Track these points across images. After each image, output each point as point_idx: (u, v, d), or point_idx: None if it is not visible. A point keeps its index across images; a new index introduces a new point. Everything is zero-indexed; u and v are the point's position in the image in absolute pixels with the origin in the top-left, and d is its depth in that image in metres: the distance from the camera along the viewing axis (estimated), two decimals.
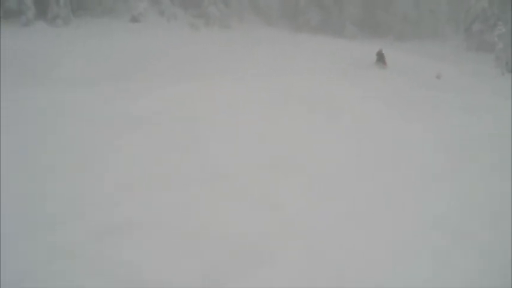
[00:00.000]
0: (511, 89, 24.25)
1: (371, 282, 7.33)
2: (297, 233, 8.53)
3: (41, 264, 7.25)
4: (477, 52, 38.41)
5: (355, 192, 10.34)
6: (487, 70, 31.57)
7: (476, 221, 9.39)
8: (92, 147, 12.08)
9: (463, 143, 14.10)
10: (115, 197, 9.47)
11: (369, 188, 10.61)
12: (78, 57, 24.20)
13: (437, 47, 39.99)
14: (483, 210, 9.90)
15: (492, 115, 17.68)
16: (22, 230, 8.13)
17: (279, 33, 39.25)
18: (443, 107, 19.07)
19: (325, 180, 10.88)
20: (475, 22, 39.93)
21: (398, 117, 16.83)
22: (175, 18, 38.95)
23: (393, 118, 16.65)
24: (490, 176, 11.66)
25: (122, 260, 7.46)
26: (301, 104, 17.35)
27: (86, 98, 16.73)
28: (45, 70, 21.82)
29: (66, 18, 33.60)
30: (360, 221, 9.10)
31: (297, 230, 8.66)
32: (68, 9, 33.95)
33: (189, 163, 11.33)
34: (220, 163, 11.52)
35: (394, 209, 9.70)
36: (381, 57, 29.20)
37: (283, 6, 44.86)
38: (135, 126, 13.82)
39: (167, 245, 7.92)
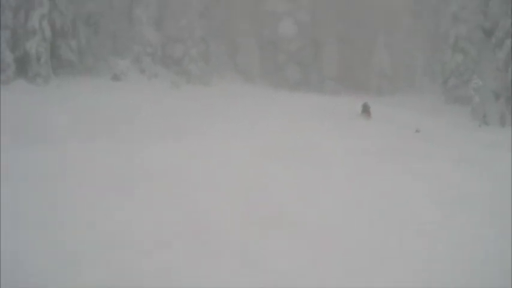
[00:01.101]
0: (488, 140, 24.61)
1: None
2: None
3: None
4: (455, 104, 39.00)
5: (346, 246, 10.26)
6: (465, 122, 32.08)
7: (468, 271, 9.36)
8: (77, 205, 11.96)
9: (452, 193, 14.13)
10: (93, 256, 9.35)
11: (359, 241, 10.54)
12: (61, 116, 24.13)
13: (416, 100, 40.54)
14: (474, 259, 9.87)
15: (476, 167, 17.82)
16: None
17: (259, 90, 39.64)
18: (428, 158, 19.20)
19: (313, 235, 10.79)
20: (451, 76, 40.66)
21: (387, 168, 16.88)
22: (156, 77, 39.22)
23: (382, 170, 16.69)
24: (480, 225, 11.67)
25: None
26: (287, 157, 17.38)
27: (70, 157, 16.66)
28: (30, 129, 21.71)
29: (46, 77, 33.69)
30: (352, 276, 9.01)
31: None
32: (49, 67, 34.07)
33: (172, 220, 11.23)
34: (204, 219, 11.43)
35: (387, 261, 9.64)
36: (366, 109, 29.65)
37: (262, 63, 45.39)
38: (118, 184, 13.73)
39: None
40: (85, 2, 37.35)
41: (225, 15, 44.46)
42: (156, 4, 40.78)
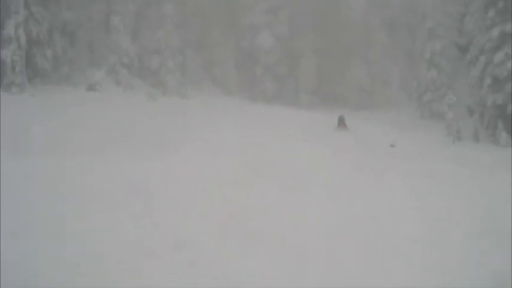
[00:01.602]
0: (462, 156, 24.88)
1: None
2: None
3: None
4: (430, 120, 39.45)
5: (331, 266, 10.20)
6: (439, 137, 32.40)
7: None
8: (48, 221, 11.79)
9: (424, 210, 14.16)
10: (74, 272, 9.23)
11: (345, 259, 10.48)
12: (37, 127, 23.83)
13: (392, 115, 40.89)
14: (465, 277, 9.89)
15: (449, 184, 17.93)
16: None
17: (236, 103, 39.62)
18: (402, 173, 19.28)
19: (297, 253, 10.70)
20: (426, 91, 41.13)
21: (363, 183, 16.93)
22: (132, 88, 39.08)
23: (359, 184, 16.73)
24: (468, 243, 11.68)
25: None
26: (266, 172, 17.34)
27: (45, 169, 16.44)
28: (5, 140, 21.39)
29: (21, 86, 33.37)
30: None
31: None
32: (24, 76, 33.76)
33: (148, 235, 11.11)
34: (181, 235, 11.33)
35: (369, 278, 9.61)
36: (341, 122, 29.97)
37: (240, 76, 45.50)
38: (95, 200, 13.57)
39: None
40: (62, 11, 37.15)
41: (202, 26, 44.47)
42: (133, 14, 40.68)
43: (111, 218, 12.28)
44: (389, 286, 9.54)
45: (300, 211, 13.54)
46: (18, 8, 33.76)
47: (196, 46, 44.63)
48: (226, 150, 20.97)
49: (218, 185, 15.44)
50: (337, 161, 20.23)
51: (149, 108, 33.61)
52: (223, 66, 45.16)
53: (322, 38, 46.04)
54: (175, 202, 13.68)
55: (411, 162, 22.49)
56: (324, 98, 45.16)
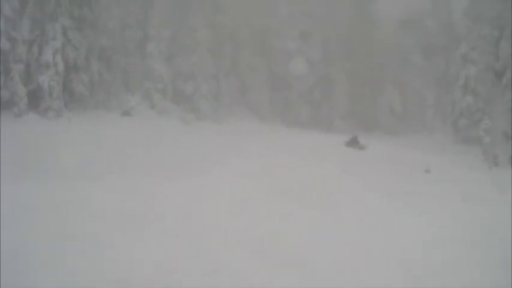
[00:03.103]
0: (499, 182, 24.44)
1: None
2: None
3: None
4: (465, 145, 38.88)
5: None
6: (475, 163, 31.88)
7: None
8: (84, 241, 11.89)
9: (463, 235, 13.96)
10: None
11: (369, 281, 10.40)
12: (71, 151, 24.18)
13: (425, 140, 40.50)
14: None
15: (488, 208, 17.64)
16: None
17: (269, 128, 39.66)
18: (439, 198, 19.02)
19: (323, 276, 10.66)
20: (461, 117, 40.64)
21: (396, 208, 16.75)
22: (166, 113, 39.37)
23: (392, 210, 16.55)
24: (491, 269, 11.51)
25: None
26: (298, 197, 17.31)
27: (80, 193, 16.65)
28: (40, 163, 21.72)
29: (58, 111, 33.87)
30: None
31: None
32: (61, 101, 34.27)
33: (182, 260, 11.12)
34: (214, 259, 11.34)
35: None
36: (354, 141, 31.36)
37: (273, 101, 45.56)
38: (126, 222, 13.67)
39: None
40: (98, 37, 37.74)
41: (235, 51, 44.77)
42: (167, 40, 41.12)
43: (141, 238, 12.37)
44: None
45: (328, 232, 13.51)
46: (56, 35, 34.42)
47: (229, 71, 44.87)
48: (257, 174, 21.02)
49: (246, 208, 15.48)
50: (369, 188, 20.02)
51: (182, 133, 33.86)
52: (257, 92, 45.29)
53: (355, 63, 46.04)
54: (206, 225, 13.73)
55: (448, 187, 22.20)
56: (358, 122, 44.96)
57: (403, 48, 46.27)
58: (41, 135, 27.80)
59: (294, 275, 10.69)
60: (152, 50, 40.24)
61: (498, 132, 35.08)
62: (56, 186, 17.24)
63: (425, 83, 46.14)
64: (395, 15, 45.82)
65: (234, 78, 45.15)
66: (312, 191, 18.47)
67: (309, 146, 30.94)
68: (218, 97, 42.80)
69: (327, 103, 46.44)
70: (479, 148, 34.15)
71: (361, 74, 46.28)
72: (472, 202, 18.63)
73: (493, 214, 16.75)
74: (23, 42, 33.35)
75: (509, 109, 35.42)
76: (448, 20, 47.15)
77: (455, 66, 41.98)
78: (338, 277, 10.69)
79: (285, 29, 44.96)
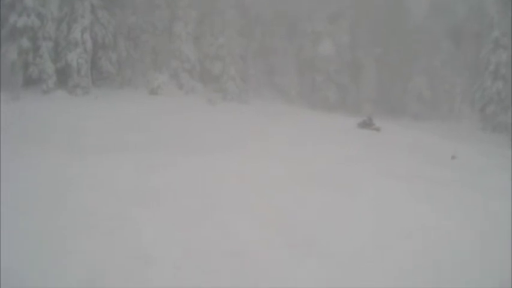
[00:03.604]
0: None
1: None
2: None
3: None
4: (493, 133, 38.37)
5: (376, 274, 10.08)
6: (503, 151, 31.36)
7: None
8: (101, 216, 12.03)
9: (491, 227, 13.63)
10: (125, 270, 9.38)
11: (390, 270, 10.32)
12: (98, 127, 24.42)
13: (453, 126, 40.03)
14: None
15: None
16: None
17: (295, 110, 39.52)
18: (465, 187, 18.67)
19: (346, 264, 10.61)
20: (490, 103, 40.09)
21: (420, 198, 16.49)
22: (193, 92, 39.50)
23: (415, 199, 16.32)
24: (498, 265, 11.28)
25: None
26: (320, 181, 17.23)
27: (104, 168, 16.82)
28: (66, 139, 21.98)
29: (86, 88, 34.27)
30: None
31: None
32: (89, 79, 34.67)
33: (205, 239, 11.16)
34: (236, 240, 11.36)
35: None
36: (367, 122, 32.02)
37: (300, 83, 45.40)
38: (145, 198, 13.78)
39: None
40: (126, 15, 37.97)
41: (263, 33, 44.64)
42: (195, 21, 41.14)
43: (160, 216, 12.45)
44: None
45: (348, 218, 13.45)
46: (85, 13, 34.71)
47: (257, 53, 44.83)
48: (281, 156, 20.97)
49: (269, 191, 15.47)
50: (393, 174, 19.80)
51: (208, 112, 33.91)
52: (284, 73, 45.17)
53: (384, 47, 45.59)
54: (225, 205, 13.77)
55: (471, 176, 21.84)
56: (385, 107, 44.61)
57: (433, 34, 45.60)
58: (69, 112, 28.10)
59: (313, 257, 10.69)
60: (180, 31, 40.31)
61: None
62: (85, 163, 17.43)
63: (454, 69, 45.51)
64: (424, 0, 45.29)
65: (262, 59, 45.10)
66: (333, 175, 18.35)
67: (334, 128, 30.79)
68: (245, 78, 42.78)
69: (354, 87, 46.18)
70: (507, 135, 33.70)
71: (390, 58, 45.85)
72: (492, 194, 18.16)
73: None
74: (52, 20, 33.67)
75: None
76: (479, 5, 46.35)
77: (486, 52, 41.30)
78: (354, 261, 10.67)
79: (313, 11, 44.65)
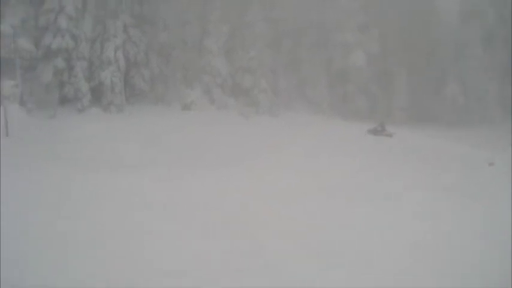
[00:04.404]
0: None
1: None
2: None
3: None
4: None
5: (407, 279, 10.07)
6: None
7: None
8: (136, 231, 12.24)
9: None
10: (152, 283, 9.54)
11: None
12: (132, 144, 24.82)
13: (487, 133, 39.40)
14: None
15: None
16: None
17: (327, 121, 39.49)
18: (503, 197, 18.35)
19: (379, 274, 10.58)
20: None
21: (457, 205, 16.33)
22: (225, 107, 39.69)
23: (453, 206, 16.18)
24: None
25: None
26: (352, 194, 17.27)
27: (133, 183, 17.12)
28: (100, 155, 22.40)
29: (120, 105, 34.81)
30: None
31: None
32: (122, 96, 35.21)
33: (236, 252, 11.25)
34: (267, 251, 11.43)
35: None
36: (380, 129, 32.53)
37: (331, 94, 45.27)
38: (176, 212, 13.99)
39: None
40: (157, 33, 38.48)
41: (293, 45, 44.72)
42: (226, 35, 41.43)
43: (192, 228, 12.61)
44: None
45: (384, 230, 13.41)
46: (117, 32, 35.36)
47: (287, 65, 44.85)
48: (313, 170, 21.04)
49: (301, 204, 15.55)
50: (430, 183, 19.69)
51: (241, 126, 34.13)
52: (315, 85, 45.05)
53: (415, 55, 45.26)
54: (254, 217, 13.89)
55: (506, 184, 21.48)
56: (417, 115, 44.27)
57: (464, 40, 45.17)
58: (103, 129, 28.59)
59: (342, 268, 10.72)
60: (211, 45, 40.59)
61: None
62: (119, 180, 17.74)
63: (487, 74, 44.96)
64: (455, 6, 44.83)
65: (292, 72, 45.06)
66: (363, 187, 18.39)
67: (367, 141, 30.76)
68: (276, 91, 42.86)
69: (386, 96, 45.90)
70: None
71: (421, 66, 45.51)
72: None
73: None
74: (85, 40, 34.35)
75: None
76: (509, 9, 45.74)
77: None
78: (391, 273, 10.64)
79: (343, 21, 44.59)
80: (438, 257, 11.28)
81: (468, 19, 45.26)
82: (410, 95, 45.56)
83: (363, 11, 44.63)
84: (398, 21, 44.94)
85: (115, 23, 35.52)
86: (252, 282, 9.84)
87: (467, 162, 25.59)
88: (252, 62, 41.78)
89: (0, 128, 26.05)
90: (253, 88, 41.51)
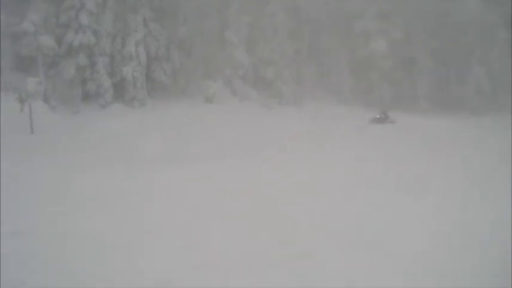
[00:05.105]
0: None
1: None
2: None
3: None
4: None
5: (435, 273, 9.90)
6: None
7: None
8: (168, 225, 12.22)
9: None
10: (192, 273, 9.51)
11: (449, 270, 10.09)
12: (156, 139, 24.90)
13: None
14: None
15: None
16: None
17: (351, 110, 39.25)
18: None
19: (408, 263, 10.40)
20: None
21: (485, 195, 16.01)
22: (248, 98, 39.58)
23: (480, 196, 15.89)
24: None
25: None
26: (377, 184, 17.11)
27: (162, 180, 17.15)
28: (125, 150, 22.51)
29: (142, 100, 34.91)
30: None
31: None
32: (144, 91, 35.29)
33: (267, 246, 11.16)
34: (298, 242, 11.32)
35: None
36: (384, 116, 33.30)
37: (354, 83, 44.94)
38: (209, 204, 13.97)
39: None
40: (178, 26, 38.43)
41: (315, 35, 44.40)
42: (246, 27, 41.24)
43: (229, 223, 12.56)
44: None
45: (408, 219, 13.24)
46: (138, 27, 35.41)
47: (309, 55, 44.59)
48: (339, 161, 20.94)
49: (325, 194, 15.44)
50: (453, 174, 19.42)
51: (264, 118, 34.06)
52: (338, 74, 44.79)
53: (438, 40, 44.60)
54: (286, 210, 13.81)
55: None
56: (442, 103, 43.69)
57: (488, 25, 44.34)
58: (126, 124, 28.73)
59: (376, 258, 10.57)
60: (232, 37, 40.48)
61: None
62: (144, 174, 17.79)
63: None
64: None
65: (315, 61, 44.81)
66: (393, 178, 18.21)
67: (390, 131, 30.51)
68: (299, 81, 42.69)
69: (410, 83, 45.37)
70: None
71: (445, 52, 44.84)
72: None
73: None
74: (106, 36, 34.46)
75: None
76: None
77: None
78: (416, 261, 10.47)
79: (364, 9, 44.17)
80: (438, 257, 11.07)
81: (491, 3, 44.43)
82: (435, 82, 44.97)
83: None
84: (421, 7, 44.30)
85: (135, 17, 35.59)
86: (290, 271, 9.76)
87: (491, 152, 25.14)
88: (273, 53, 41.60)
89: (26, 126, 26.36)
90: (276, 79, 41.36)
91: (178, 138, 25.86)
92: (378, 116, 34.98)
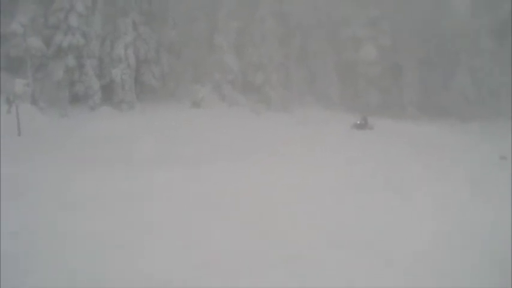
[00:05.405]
0: None
1: None
2: None
3: None
4: None
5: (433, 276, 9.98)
6: None
7: None
8: (160, 226, 12.20)
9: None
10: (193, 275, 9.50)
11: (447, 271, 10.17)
12: (145, 141, 24.81)
13: (501, 126, 39.08)
14: None
15: None
16: None
17: (337, 116, 39.40)
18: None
19: (405, 267, 10.44)
20: None
21: (471, 198, 16.21)
22: (236, 104, 39.59)
23: (467, 199, 16.05)
24: None
25: None
26: (367, 187, 17.21)
27: (146, 179, 17.12)
28: (114, 153, 22.39)
29: (130, 103, 34.86)
30: None
31: None
32: (133, 94, 35.23)
33: (260, 248, 11.18)
34: (291, 246, 11.36)
35: None
36: (363, 122, 33.88)
37: (342, 89, 45.12)
38: (202, 206, 13.96)
39: None
40: (167, 30, 38.43)
41: (303, 41, 44.55)
42: (235, 32, 41.31)
43: (223, 225, 12.55)
44: None
45: (403, 222, 13.33)
46: (127, 30, 35.37)
47: (298, 60, 44.72)
48: (325, 166, 21.02)
49: (320, 197, 15.50)
50: (442, 177, 19.62)
51: (254, 123, 34.05)
52: (326, 80, 44.92)
53: (426, 48, 44.95)
54: (276, 211, 13.84)
55: None
56: (429, 109, 43.97)
57: (475, 33, 44.72)
58: (115, 126, 28.60)
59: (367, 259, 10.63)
60: (221, 42, 40.54)
61: None
62: (134, 176, 17.72)
63: (498, 67, 44.53)
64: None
65: (303, 67, 44.95)
66: (382, 181, 18.31)
67: (377, 136, 30.68)
68: (287, 86, 42.78)
69: (397, 90, 45.62)
70: None
71: (432, 60, 45.21)
72: None
73: None
74: (95, 38, 34.37)
75: None
76: None
77: None
78: (413, 263, 10.53)
79: (353, 16, 44.39)
80: (437, 257, 11.15)
81: (479, 12, 44.82)
82: (422, 89, 45.26)
83: (373, 4, 44.30)
84: (409, 14, 44.59)
85: (125, 20, 35.56)
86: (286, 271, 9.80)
87: (478, 156, 25.41)
88: (262, 58, 41.69)
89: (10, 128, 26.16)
90: (265, 84, 41.44)
91: (167, 141, 25.78)
92: (358, 122, 35.27)
